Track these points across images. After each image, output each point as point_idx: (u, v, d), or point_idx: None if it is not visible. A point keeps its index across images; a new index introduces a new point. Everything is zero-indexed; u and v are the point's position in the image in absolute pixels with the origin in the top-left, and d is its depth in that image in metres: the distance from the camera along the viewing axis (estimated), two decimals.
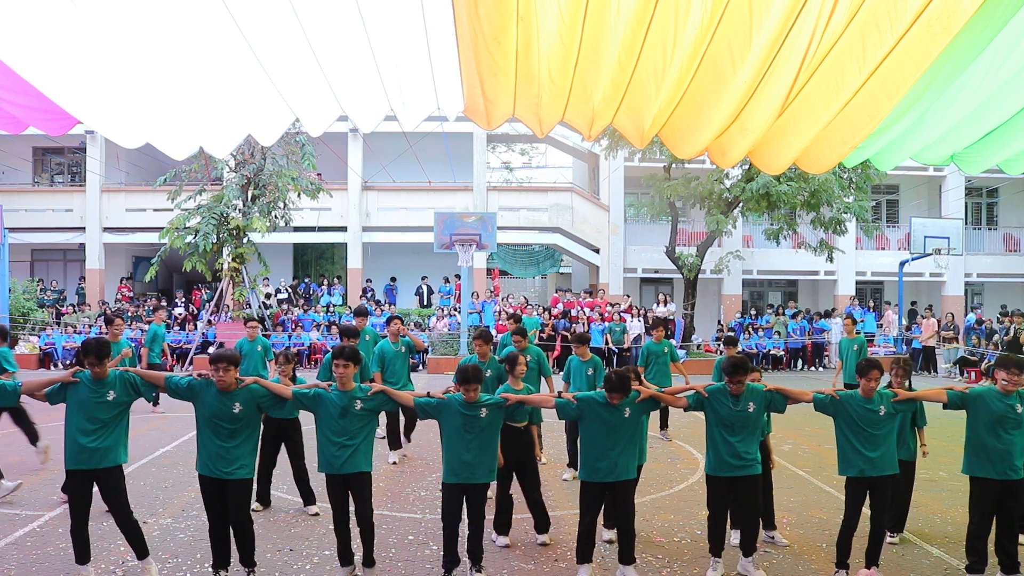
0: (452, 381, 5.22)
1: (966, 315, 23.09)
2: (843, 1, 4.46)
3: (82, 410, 4.90)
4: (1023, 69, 5.20)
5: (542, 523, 5.98)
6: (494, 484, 5.56)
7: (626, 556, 5.24)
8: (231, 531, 5.07)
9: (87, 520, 5.05)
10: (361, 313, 9.67)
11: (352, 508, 5.16)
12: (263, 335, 11.30)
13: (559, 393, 5.51)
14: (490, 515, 5.48)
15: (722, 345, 9.68)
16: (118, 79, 5.37)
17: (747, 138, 6.09)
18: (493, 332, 18.92)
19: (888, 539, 5.99)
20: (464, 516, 5.22)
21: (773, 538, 6.09)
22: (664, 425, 10.23)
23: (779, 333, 21.03)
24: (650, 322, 20.16)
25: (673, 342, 20.05)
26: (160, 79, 5.42)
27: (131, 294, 23.31)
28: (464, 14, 4.64)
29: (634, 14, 4.66)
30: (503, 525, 5.99)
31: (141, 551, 5.13)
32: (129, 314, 20.04)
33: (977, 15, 4.38)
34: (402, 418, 8.83)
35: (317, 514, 6.66)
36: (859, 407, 5.20)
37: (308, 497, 6.80)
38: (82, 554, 5.06)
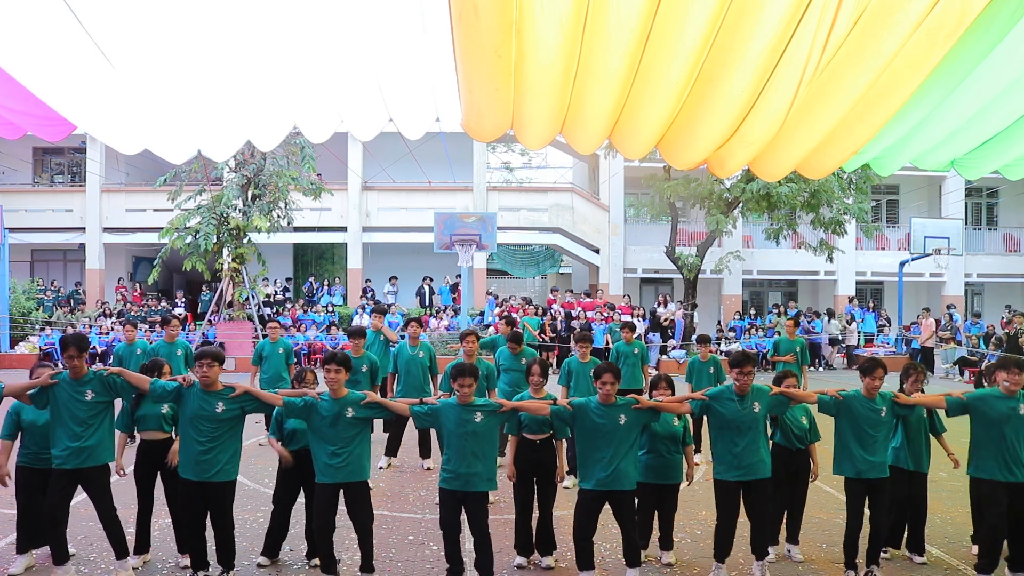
0: (441, 389, 5.10)
1: (966, 316, 23.10)
2: (844, 12, 4.42)
3: (64, 411, 4.94)
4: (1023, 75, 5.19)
5: (547, 544, 5.66)
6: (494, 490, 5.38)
7: (632, 559, 5.13)
8: (212, 533, 5.06)
9: (67, 519, 5.10)
10: (381, 311, 9.72)
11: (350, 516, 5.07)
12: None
13: (554, 400, 5.34)
14: (495, 515, 5.47)
15: (696, 344, 9.43)
16: (116, 85, 5.33)
17: (747, 149, 5.99)
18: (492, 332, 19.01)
19: (916, 560, 5.77)
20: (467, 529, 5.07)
21: (790, 552, 5.84)
22: None
23: (780, 333, 20.99)
24: (659, 321, 20.22)
25: (673, 342, 20.26)
26: (159, 85, 5.39)
27: (139, 295, 23.18)
28: (464, 26, 4.54)
29: (636, 25, 4.57)
30: (523, 546, 5.64)
31: (121, 551, 5.14)
32: (133, 315, 20.03)
33: (978, 23, 4.37)
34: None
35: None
36: (862, 407, 5.21)
37: None
38: (60, 555, 5.07)
